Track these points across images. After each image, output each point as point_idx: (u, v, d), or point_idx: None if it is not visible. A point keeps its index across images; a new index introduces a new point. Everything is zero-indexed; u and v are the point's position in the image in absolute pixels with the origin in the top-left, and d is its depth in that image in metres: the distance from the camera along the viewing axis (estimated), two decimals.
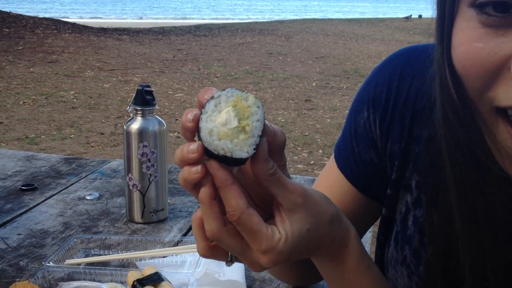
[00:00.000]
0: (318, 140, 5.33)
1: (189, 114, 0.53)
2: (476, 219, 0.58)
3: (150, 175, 1.29)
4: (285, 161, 0.60)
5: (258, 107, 0.52)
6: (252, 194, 0.60)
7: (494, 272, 0.58)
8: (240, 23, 19.01)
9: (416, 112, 0.72)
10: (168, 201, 1.39)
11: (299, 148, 5.04)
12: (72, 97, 6.89)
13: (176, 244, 1.17)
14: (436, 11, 0.60)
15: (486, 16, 0.52)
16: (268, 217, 0.58)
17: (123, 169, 1.38)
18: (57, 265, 1.03)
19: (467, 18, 0.55)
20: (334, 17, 26.55)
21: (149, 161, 1.28)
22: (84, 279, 0.99)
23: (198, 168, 0.53)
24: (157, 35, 13.52)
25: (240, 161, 0.52)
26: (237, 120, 0.51)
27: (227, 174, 0.53)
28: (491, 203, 0.57)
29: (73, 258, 1.09)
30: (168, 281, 0.93)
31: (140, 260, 1.09)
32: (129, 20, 24.26)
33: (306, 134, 5.53)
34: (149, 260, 1.08)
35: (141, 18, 27.55)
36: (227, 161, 0.52)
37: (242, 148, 0.52)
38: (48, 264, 1.02)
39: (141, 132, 1.27)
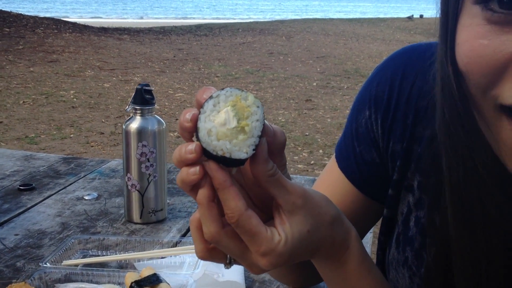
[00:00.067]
0: (319, 140, 5.32)
1: (187, 114, 0.52)
2: (470, 224, 0.57)
3: (149, 175, 1.28)
4: (285, 161, 0.59)
5: (258, 106, 0.51)
6: (251, 195, 0.59)
7: (487, 278, 0.57)
8: (240, 23, 19.01)
9: (419, 111, 0.71)
10: (167, 201, 1.38)
11: (300, 148, 5.03)
12: (72, 96, 6.88)
13: (175, 245, 1.16)
14: (439, 8, 0.59)
15: (491, 13, 0.51)
16: (268, 218, 0.57)
17: (122, 169, 1.37)
18: (54, 266, 1.02)
19: (471, 15, 0.54)
20: (335, 17, 26.54)
21: (148, 161, 1.27)
22: (81, 281, 0.97)
23: (196, 169, 0.52)
24: (158, 34, 13.52)
25: (239, 162, 0.51)
26: (236, 120, 0.51)
27: (226, 175, 0.52)
28: (486, 208, 0.56)
29: (70, 259, 1.08)
30: (167, 282, 0.92)
31: (139, 261, 1.08)
32: (129, 20, 24.26)
33: (307, 134, 5.52)
34: (147, 261, 1.07)
35: (141, 18, 27.56)
36: (226, 162, 0.51)
37: (241, 148, 0.51)
38: (45, 265, 1.01)
39: (140, 132, 1.26)
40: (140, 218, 1.30)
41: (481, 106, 0.55)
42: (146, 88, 1.26)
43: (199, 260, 1.03)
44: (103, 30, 13.26)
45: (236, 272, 0.97)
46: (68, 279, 0.98)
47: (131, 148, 1.27)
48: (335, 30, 16.55)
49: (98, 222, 1.31)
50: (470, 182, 0.56)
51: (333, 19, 23.07)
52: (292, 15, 32.68)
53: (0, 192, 1.47)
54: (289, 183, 0.55)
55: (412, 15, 22.52)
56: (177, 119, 5.83)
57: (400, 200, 0.74)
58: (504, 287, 0.57)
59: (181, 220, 1.33)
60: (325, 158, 4.75)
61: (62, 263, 1.05)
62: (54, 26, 12.54)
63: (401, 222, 0.74)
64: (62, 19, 14.61)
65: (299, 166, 4.54)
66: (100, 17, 26.01)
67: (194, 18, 27.46)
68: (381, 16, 28.11)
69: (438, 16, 0.60)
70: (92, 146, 4.95)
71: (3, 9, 13.11)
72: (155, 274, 0.93)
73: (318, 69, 9.65)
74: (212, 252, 0.57)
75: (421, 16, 22.63)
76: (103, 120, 5.82)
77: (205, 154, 0.51)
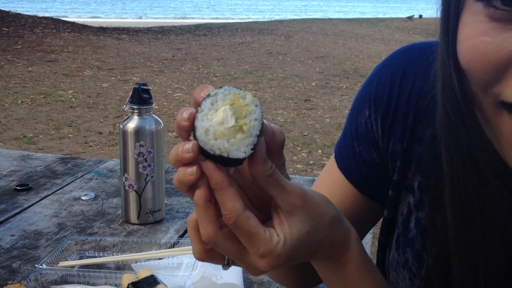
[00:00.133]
0: (318, 140, 5.31)
1: (185, 113, 0.51)
2: (470, 224, 0.56)
3: (147, 175, 1.27)
4: (284, 161, 0.58)
5: (256, 105, 0.51)
6: (249, 194, 0.58)
7: (486, 280, 0.56)
8: (239, 23, 19.01)
9: (419, 111, 0.71)
10: (165, 201, 1.37)
11: (299, 148, 5.02)
12: (70, 96, 6.87)
13: (173, 245, 1.15)
14: (440, 5, 0.58)
15: (493, 10, 0.51)
16: (266, 219, 0.56)
17: (119, 169, 1.36)
18: (50, 267, 1.01)
19: (473, 12, 0.53)
20: (334, 17, 26.56)
21: (146, 161, 1.26)
22: (78, 282, 0.97)
23: (193, 169, 0.51)
24: (157, 34, 13.51)
25: (237, 162, 0.50)
26: (234, 119, 0.50)
27: (223, 175, 0.51)
28: (487, 209, 0.56)
29: (67, 260, 1.07)
30: (164, 284, 0.91)
31: (136, 262, 1.07)
32: (128, 20, 24.26)
33: (306, 134, 5.52)
34: (144, 262, 1.06)
35: (140, 18, 27.55)
36: (224, 162, 0.50)
37: (239, 148, 0.50)
38: (41, 267, 1.00)
39: (138, 131, 1.25)
40: (138, 218, 1.29)
41: (481, 103, 0.55)
42: (144, 87, 1.25)
43: (197, 261, 1.02)
44: (102, 30, 13.24)
45: (234, 274, 0.96)
46: (64, 280, 0.97)
47: (128, 148, 1.26)
48: (334, 30, 16.55)
49: (95, 222, 1.30)
50: (471, 182, 0.56)
51: (332, 19, 23.07)
52: (291, 15, 32.69)
53: None
54: (288, 183, 0.54)
55: (413, 15, 22.55)
56: (175, 119, 5.81)
57: (400, 200, 0.73)
58: None
59: (179, 220, 1.32)
60: (324, 158, 4.74)
61: (59, 265, 1.04)
62: (52, 26, 12.53)
63: (401, 223, 0.73)
64: (60, 18, 14.59)
65: (298, 166, 4.53)
66: (99, 17, 26.00)
67: (193, 18, 27.45)
68: (380, 16, 28.14)
69: (438, 15, 0.60)
70: (90, 146, 4.94)
71: (1, 9, 13.09)
72: (152, 275, 0.92)
73: (317, 69, 9.65)
74: (210, 253, 0.56)
75: (420, 16, 22.66)
76: (102, 120, 5.81)
77: (203, 154, 0.50)
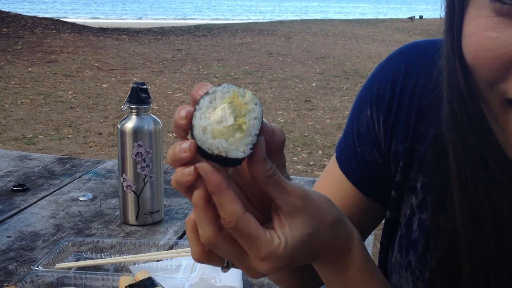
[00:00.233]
0: (318, 140, 5.30)
1: (182, 111, 0.49)
2: (480, 225, 0.55)
3: (145, 175, 1.25)
4: (285, 161, 0.57)
5: (256, 104, 0.49)
6: (249, 195, 0.56)
7: (498, 281, 0.55)
8: (240, 24, 19.01)
9: (422, 110, 0.70)
10: (164, 202, 1.35)
11: (299, 149, 5.01)
12: (70, 97, 6.86)
13: (171, 247, 1.13)
14: (445, 0, 0.57)
15: (500, 4, 0.50)
16: (266, 220, 0.55)
17: (118, 169, 1.34)
18: (47, 269, 1.00)
19: (479, 7, 0.52)
20: (334, 17, 26.56)
21: (144, 161, 1.24)
22: (74, 284, 0.95)
23: (191, 169, 0.49)
24: (157, 35, 13.50)
25: (235, 162, 0.49)
26: (233, 117, 0.48)
27: (221, 177, 0.49)
28: (497, 208, 0.55)
29: (64, 262, 1.06)
30: (162, 286, 0.90)
31: (134, 264, 1.05)
32: (128, 20, 24.26)
33: (306, 134, 5.50)
34: (142, 264, 1.05)
35: (140, 19, 27.56)
36: (222, 161, 0.48)
37: (238, 147, 0.48)
38: (37, 268, 0.99)
39: (136, 131, 1.23)
40: (136, 219, 1.27)
41: (488, 101, 0.54)
42: (142, 87, 1.24)
43: (196, 263, 1.01)
44: (102, 31, 13.24)
45: (233, 277, 0.95)
46: (60, 282, 0.95)
47: (126, 148, 1.24)
48: (334, 31, 16.54)
49: (93, 224, 1.28)
50: (480, 181, 0.54)
51: (332, 19, 23.08)
52: (292, 16, 32.71)
53: None
54: (288, 184, 0.52)
55: (414, 16, 22.58)
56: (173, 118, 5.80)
57: (403, 201, 0.72)
58: None
59: (178, 222, 1.31)
60: (325, 159, 4.73)
61: (55, 266, 1.03)
62: (52, 27, 12.53)
63: (404, 224, 0.72)
64: (61, 19, 14.59)
65: (298, 167, 4.52)
66: (99, 18, 26.01)
67: (193, 18, 27.46)
68: (381, 17, 28.14)
69: (441, 13, 0.59)
70: (90, 147, 4.92)
71: (1, 9, 13.09)
72: (150, 278, 0.90)
73: (317, 70, 9.64)
74: (209, 254, 0.55)
75: (421, 17, 22.68)
76: (101, 121, 5.80)
77: (200, 153, 0.49)
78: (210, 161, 0.49)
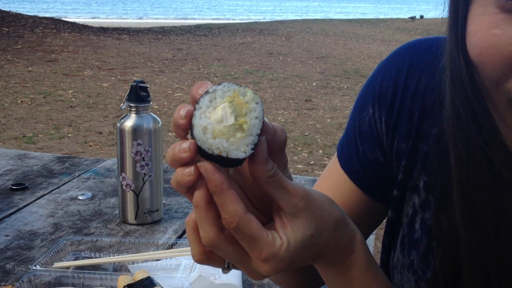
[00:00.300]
0: (318, 140, 5.29)
1: (182, 110, 0.48)
2: (481, 225, 0.55)
3: (144, 174, 1.24)
4: (286, 160, 0.56)
5: (257, 103, 0.48)
6: (250, 195, 0.55)
7: (499, 282, 0.55)
8: (240, 23, 19.01)
9: (425, 108, 0.69)
10: (163, 201, 1.34)
11: (299, 148, 5.00)
12: (70, 96, 6.85)
13: (171, 246, 1.13)
14: None
15: (504, 0, 0.49)
16: (268, 220, 0.54)
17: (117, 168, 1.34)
18: (44, 268, 0.99)
19: (483, 3, 0.51)
20: (335, 17, 26.55)
21: (143, 160, 1.23)
22: (72, 284, 0.94)
23: (191, 169, 0.48)
24: (157, 34, 13.50)
25: (236, 162, 0.48)
26: (234, 117, 0.47)
27: (222, 177, 0.48)
28: (498, 208, 0.54)
29: (62, 261, 1.05)
30: (161, 286, 0.89)
31: (133, 263, 1.04)
32: (129, 20, 24.26)
33: (306, 134, 5.49)
34: (141, 264, 1.04)
35: (141, 18, 27.55)
36: (222, 162, 0.48)
37: (239, 147, 0.47)
38: (34, 268, 0.98)
39: (135, 130, 1.22)
40: (135, 219, 1.26)
41: (494, 99, 0.53)
42: (141, 85, 1.23)
43: (195, 262, 0.99)
44: (102, 30, 13.23)
45: (233, 274, 0.94)
46: (58, 282, 0.95)
47: (125, 147, 1.23)
48: (335, 31, 16.53)
49: (91, 223, 1.27)
50: (482, 181, 0.53)
51: (333, 19, 23.07)
52: (292, 15, 32.70)
53: None
54: (290, 184, 0.51)
55: (415, 16, 22.59)
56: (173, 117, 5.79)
57: (405, 201, 0.72)
58: None
59: (178, 221, 1.30)
60: (325, 158, 4.72)
61: (53, 266, 1.02)
62: (53, 26, 12.52)
63: (406, 224, 0.72)
64: (61, 18, 14.58)
65: (299, 166, 4.51)
66: (99, 17, 26.01)
67: (194, 18, 27.45)
68: (382, 17, 28.12)
69: (443, 10, 0.58)
70: (90, 146, 4.92)
71: (2, 9, 13.08)
72: (148, 277, 0.89)
73: (318, 69, 9.63)
74: (209, 255, 0.54)
75: (422, 16, 22.68)
76: (102, 120, 5.79)
77: (200, 153, 0.48)
78: (211, 161, 0.48)
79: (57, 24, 12.85)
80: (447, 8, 0.58)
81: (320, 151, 4.95)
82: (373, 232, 1.09)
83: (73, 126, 5.54)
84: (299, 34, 15.21)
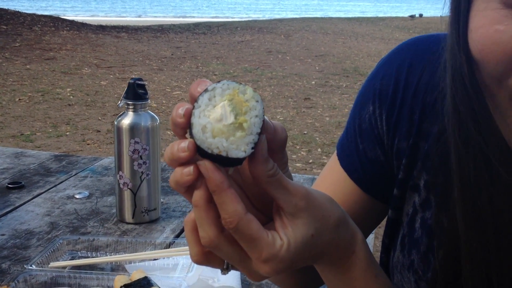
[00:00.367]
0: (317, 138, 5.28)
1: (180, 109, 0.47)
2: (481, 225, 0.54)
3: (142, 173, 1.23)
4: (287, 159, 0.55)
5: (257, 101, 0.47)
6: (249, 195, 0.54)
7: (499, 282, 0.54)
8: (239, 21, 18.98)
9: (426, 106, 0.68)
10: (161, 200, 1.33)
11: (298, 147, 5.00)
12: (68, 94, 6.84)
13: (168, 246, 1.12)
14: None
15: None
16: (268, 220, 0.53)
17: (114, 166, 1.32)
18: (40, 268, 0.98)
19: None
20: (334, 16, 26.54)
21: (141, 158, 1.22)
22: (68, 284, 0.93)
23: (190, 169, 0.47)
24: (156, 32, 13.48)
25: (236, 161, 0.47)
26: (234, 115, 0.47)
27: (223, 176, 0.47)
28: (498, 208, 0.54)
29: (58, 260, 1.04)
30: (158, 286, 0.87)
31: (130, 263, 1.03)
32: (128, 18, 24.22)
33: (305, 132, 5.49)
34: (139, 263, 1.03)
35: (140, 16, 27.52)
36: (222, 161, 0.47)
37: (238, 146, 0.46)
38: (30, 268, 0.97)
39: (133, 128, 1.21)
40: (133, 217, 1.25)
41: (495, 96, 0.53)
42: (139, 82, 1.22)
43: (193, 262, 0.98)
44: (101, 28, 13.21)
45: (232, 277, 0.93)
46: (54, 282, 0.93)
47: (123, 145, 1.22)
48: (334, 29, 16.52)
49: (88, 222, 1.26)
50: (482, 180, 0.52)
51: (332, 18, 23.06)
52: (291, 14, 32.67)
53: None
54: (290, 184, 0.50)
55: (414, 14, 22.61)
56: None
57: (406, 200, 0.71)
58: None
59: (175, 220, 1.29)
60: (324, 157, 4.72)
61: (49, 265, 1.01)
62: (51, 24, 12.49)
63: (407, 223, 0.71)
64: (59, 16, 14.56)
65: (298, 165, 4.50)
66: (98, 15, 25.97)
67: (193, 16, 27.43)
68: (381, 15, 28.12)
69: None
70: (88, 144, 4.90)
71: (0, 7, 13.05)
72: (146, 277, 0.88)
73: (317, 68, 9.62)
74: (208, 256, 0.53)
75: (421, 15, 22.71)
76: (100, 118, 5.78)
77: (199, 153, 0.47)
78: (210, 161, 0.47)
79: (55, 22, 12.82)
80: (447, 5, 0.58)
81: (319, 150, 4.95)
82: (372, 232, 1.08)
83: (71, 124, 5.52)
84: (298, 32, 15.20)
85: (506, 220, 0.53)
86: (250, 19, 23.12)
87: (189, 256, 0.54)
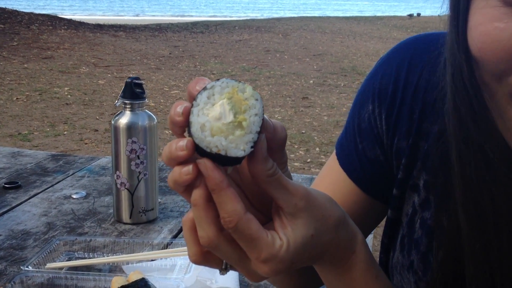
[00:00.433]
0: (315, 138, 5.28)
1: (179, 107, 0.47)
2: (484, 224, 0.54)
3: (139, 172, 1.22)
4: (286, 159, 0.55)
5: (257, 99, 0.47)
6: (248, 194, 0.54)
7: (502, 282, 0.54)
8: (237, 20, 18.97)
9: (426, 105, 0.68)
10: (159, 200, 1.32)
11: (296, 146, 4.99)
12: (66, 93, 6.82)
13: (166, 246, 1.11)
14: None
15: None
16: (267, 220, 0.52)
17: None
18: (37, 269, 0.97)
19: None
20: (332, 15, 26.55)
21: (138, 158, 1.21)
22: (65, 285, 0.92)
23: (189, 168, 0.47)
24: (154, 31, 13.46)
25: (235, 160, 0.46)
26: (233, 114, 0.46)
27: (222, 175, 0.47)
28: (499, 207, 0.53)
29: (55, 261, 1.03)
30: (155, 287, 0.87)
31: (127, 263, 1.03)
32: (125, 17, 24.19)
33: (303, 131, 5.48)
34: (136, 264, 1.02)
35: (137, 15, 27.48)
36: (221, 160, 0.46)
37: (238, 145, 0.46)
38: (26, 269, 0.96)
39: (130, 127, 1.20)
40: (130, 218, 1.24)
41: (495, 94, 0.52)
42: (136, 81, 1.21)
43: (191, 263, 0.98)
44: (99, 27, 13.18)
45: (230, 278, 0.92)
46: (51, 283, 0.93)
47: (120, 145, 1.21)
48: (332, 28, 16.52)
49: (85, 222, 1.25)
50: (483, 178, 0.52)
51: (330, 17, 23.06)
52: (289, 13, 32.67)
53: None
54: (290, 183, 0.50)
55: (413, 14, 22.64)
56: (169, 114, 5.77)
57: (405, 200, 0.71)
58: None
59: (173, 220, 1.28)
60: (322, 156, 4.71)
61: (46, 266, 1.00)
62: (49, 23, 12.46)
63: (406, 223, 0.71)
64: (57, 15, 14.52)
65: (296, 164, 4.50)
66: (96, 14, 25.94)
67: (191, 15, 27.41)
68: (379, 14, 28.13)
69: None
70: (86, 144, 4.89)
71: None
72: (143, 279, 0.88)
73: (315, 67, 9.62)
74: (207, 256, 0.52)
75: (419, 14, 22.73)
76: (97, 117, 5.77)
77: (198, 152, 0.46)
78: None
79: (53, 21, 12.80)
80: (446, 3, 0.57)
81: (317, 149, 4.94)
82: (371, 232, 1.08)
83: (68, 123, 5.51)
84: (296, 31, 15.20)
85: (507, 219, 0.53)
86: (248, 18, 23.11)
87: (187, 256, 0.53)
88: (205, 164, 0.46)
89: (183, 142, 0.46)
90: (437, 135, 0.64)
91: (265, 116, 0.48)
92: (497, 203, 0.53)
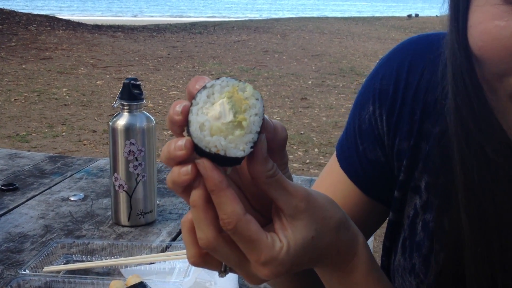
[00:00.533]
0: (314, 138, 5.28)
1: (178, 106, 0.46)
2: (486, 226, 0.53)
3: (138, 174, 1.21)
4: (287, 159, 0.54)
5: (257, 99, 0.46)
6: (248, 195, 0.53)
7: (504, 285, 0.53)
8: (235, 21, 18.97)
9: (427, 106, 0.67)
10: (157, 202, 1.31)
11: (295, 147, 4.99)
12: (64, 94, 6.81)
13: (165, 249, 1.10)
14: None
15: None
16: (267, 222, 0.52)
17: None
18: (34, 273, 0.96)
19: None
20: (330, 15, 26.56)
21: (137, 160, 1.20)
22: None
23: (188, 168, 0.46)
24: (152, 32, 13.45)
25: (235, 161, 0.46)
26: (233, 113, 0.45)
27: (221, 175, 0.46)
28: (500, 207, 0.53)
29: (52, 264, 1.02)
30: None
31: (126, 267, 1.02)
32: (124, 18, 24.18)
33: (302, 132, 5.48)
34: (135, 267, 1.01)
35: (136, 16, 27.47)
36: (220, 160, 0.45)
37: (237, 145, 0.45)
38: (24, 272, 0.95)
39: (128, 129, 1.19)
40: (128, 220, 1.23)
41: (497, 92, 0.52)
42: (134, 82, 1.20)
43: (190, 266, 0.97)
44: (97, 28, 13.17)
45: (229, 280, 0.92)
46: (48, 287, 0.92)
47: (118, 146, 1.20)
48: (330, 29, 16.53)
49: (83, 224, 1.24)
50: (486, 180, 0.51)
51: (328, 17, 23.08)
52: (288, 13, 32.68)
53: None
54: (290, 185, 0.49)
55: (411, 14, 22.69)
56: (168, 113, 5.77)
57: (407, 202, 0.70)
58: None
59: (172, 222, 1.27)
60: (321, 157, 4.71)
61: (43, 270, 0.99)
62: (47, 23, 12.45)
63: (408, 226, 0.70)
64: (55, 16, 14.51)
65: (295, 165, 4.49)
66: (94, 15, 25.92)
67: (189, 16, 27.41)
68: (377, 15, 28.17)
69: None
70: (84, 145, 4.88)
71: None
72: (141, 282, 0.87)
73: (313, 68, 9.62)
74: (206, 258, 0.51)
75: (417, 15, 22.78)
76: (96, 118, 5.76)
77: (197, 151, 0.46)
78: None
79: (51, 22, 12.78)
80: (446, 3, 0.57)
81: (316, 150, 4.94)
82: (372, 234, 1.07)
83: (67, 124, 5.50)
84: (295, 32, 15.20)
85: (509, 219, 0.53)
86: (247, 18, 23.11)
87: (186, 260, 0.52)
88: (204, 164, 0.45)
89: (181, 142, 0.46)
90: (438, 135, 0.64)
91: (265, 116, 0.47)
92: (498, 203, 0.53)
